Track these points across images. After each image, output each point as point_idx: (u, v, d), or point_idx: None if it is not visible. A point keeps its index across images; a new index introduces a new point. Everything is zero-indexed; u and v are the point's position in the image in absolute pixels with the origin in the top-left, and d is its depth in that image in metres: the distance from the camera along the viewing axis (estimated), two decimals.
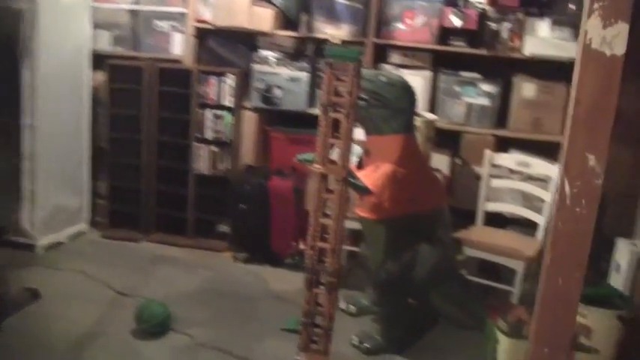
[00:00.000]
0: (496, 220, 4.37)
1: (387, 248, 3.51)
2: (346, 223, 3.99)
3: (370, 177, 3.33)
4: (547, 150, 4.62)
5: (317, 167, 2.67)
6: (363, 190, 3.35)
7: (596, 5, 1.57)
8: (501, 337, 3.36)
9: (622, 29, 1.59)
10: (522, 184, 4.19)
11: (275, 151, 4.88)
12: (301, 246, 3.52)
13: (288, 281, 4.33)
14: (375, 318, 3.70)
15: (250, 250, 4.58)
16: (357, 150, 4.14)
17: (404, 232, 3.52)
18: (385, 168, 3.38)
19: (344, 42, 2.71)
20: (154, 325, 3.47)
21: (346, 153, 2.67)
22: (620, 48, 1.60)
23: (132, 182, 4.81)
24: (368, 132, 3.52)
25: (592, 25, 1.60)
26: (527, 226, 4.48)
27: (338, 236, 2.73)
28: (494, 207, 4.29)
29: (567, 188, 1.77)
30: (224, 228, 4.85)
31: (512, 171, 4.42)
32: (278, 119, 4.87)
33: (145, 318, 3.46)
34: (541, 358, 1.89)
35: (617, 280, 3.81)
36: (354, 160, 3.87)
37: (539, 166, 4.15)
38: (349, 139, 2.65)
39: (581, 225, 1.79)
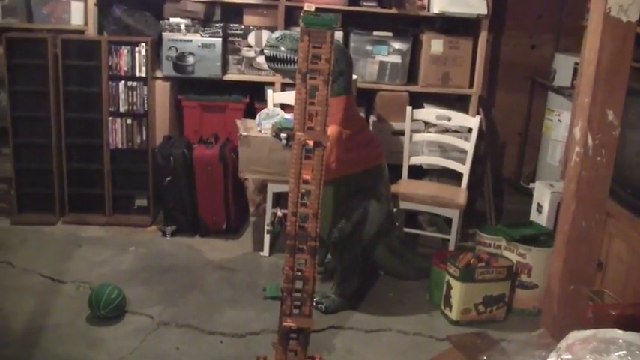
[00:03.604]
0: (413, 172, 4.56)
1: (337, 208, 3.59)
2: None
3: None
4: (454, 102, 4.90)
5: (299, 134, 2.68)
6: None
7: None
8: (454, 282, 3.57)
9: None
10: (445, 137, 4.40)
11: (188, 120, 4.78)
12: (279, 213, 3.51)
13: (223, 250, 4.32)
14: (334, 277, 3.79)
15: (178, 223, 4.49)
16: (284, 116, 4.17)
17: (351, 191, 3.63)
18: (330, 130, 3.43)
19: (317, 10, 2.69)
20: (111, 310, 3.35)
21: (324, 118, 2.70)
22: (634, 15, 1.78)
23: (40, 163, 4.53)
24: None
25: None
26: (443, 176, 4.75)
27: (319, 201, 2.77)
28: (417, 160, 4.48)
29: (590, 141, 1.93)
30: (142, 202, 4.71)
31: (427, 124, 4.63)
32: (191, 87, 4.76)
33: (103, 304, 3.33)
34: (567, 295, 2.05)
35: (540, 219, 4.14)
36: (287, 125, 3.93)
37: (459, 118, 4.37)
38: (326, 105, 2.68)
39: (601, 172, 1.97)
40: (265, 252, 4.27)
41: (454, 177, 4.60)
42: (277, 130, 3.64)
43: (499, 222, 4.90)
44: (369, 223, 3.66)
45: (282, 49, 3.41)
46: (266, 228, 4.04)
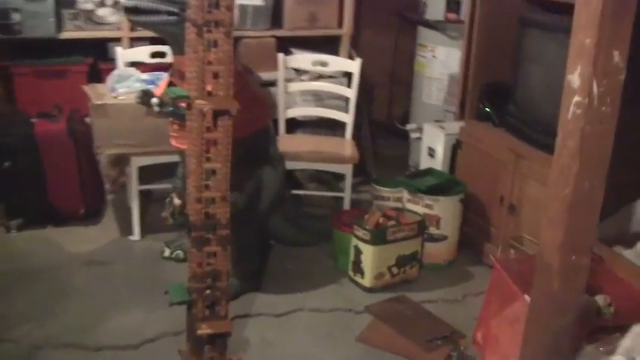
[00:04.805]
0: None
1: None
2: (162, 158, 3.52)
3: None
4: (322, 45, 4.50)
5: (199, 103, 2.16)
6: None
7: None
8: (365, 246, 3.25)
9: None
10: (325, 84, 4.00)
11: (20, 90, 4.02)
12: (175, 199, 2.92)
13: (86, 239, 3.68)
14: None
15: (24, 214, 3.77)
16: (140, 76, 3.62)
17: (241, 157, 3.13)
18: None
19: None
20: None
21: (227, 80, 2.19)
22: None
23: None
24: (181, 52, 2.99)
25: None
26: (318, 127, 4.37)
27: (227, 181, 2.29)
28: (294, 112, 4.05)
29: (595, 89, 1.61)
30: None
31: (297, 71, 4.22)
32: (22, 51, 3.98)
33: None
34: (569, 268, 1.75)
35: (434, 163, 3.89)
36: (151, 87, 3.35)
37: (337, 62, 3.99)
38: (231, 63, 2.17)
39: (606, 124, 1.67)
40: (136, 235, 3.70)
41: (329, 127, 4.26)
42: (173, 100, 3.03)
43: (378, 170, 4.62)
44: (264, 193, 3.20)
45: None
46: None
